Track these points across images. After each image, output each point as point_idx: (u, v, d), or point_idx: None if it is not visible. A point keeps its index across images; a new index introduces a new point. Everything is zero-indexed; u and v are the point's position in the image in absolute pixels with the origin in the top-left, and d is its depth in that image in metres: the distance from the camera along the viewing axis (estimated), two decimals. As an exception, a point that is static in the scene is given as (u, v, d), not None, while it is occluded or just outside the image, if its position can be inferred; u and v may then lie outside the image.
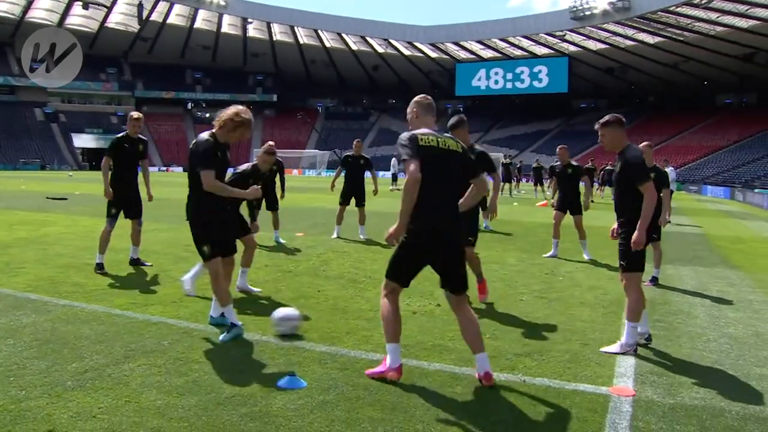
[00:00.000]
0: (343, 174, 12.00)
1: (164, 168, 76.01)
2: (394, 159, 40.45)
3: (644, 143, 8.05)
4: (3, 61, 78.85)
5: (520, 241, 12.23)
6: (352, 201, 11.84)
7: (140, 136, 8.35)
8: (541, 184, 30.34)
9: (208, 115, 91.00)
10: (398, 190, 31.27)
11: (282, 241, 10.94)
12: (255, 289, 6.96)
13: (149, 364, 4.41)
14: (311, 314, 5.96)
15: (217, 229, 5.24)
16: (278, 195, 11.12)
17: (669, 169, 18.44)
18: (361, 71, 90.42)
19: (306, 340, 5.12)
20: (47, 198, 20.46)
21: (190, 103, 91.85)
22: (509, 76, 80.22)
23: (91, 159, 74.32)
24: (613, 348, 5.08)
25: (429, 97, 4.78)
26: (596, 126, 5.33)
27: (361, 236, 11.82)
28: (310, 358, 4.66)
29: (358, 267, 8.82)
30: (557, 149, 10.71)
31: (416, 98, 4.72)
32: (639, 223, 4.96)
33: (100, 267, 7.77)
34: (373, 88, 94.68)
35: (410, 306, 6.40)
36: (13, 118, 75.88)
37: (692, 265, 10.00)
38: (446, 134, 4.59)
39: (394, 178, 36.46)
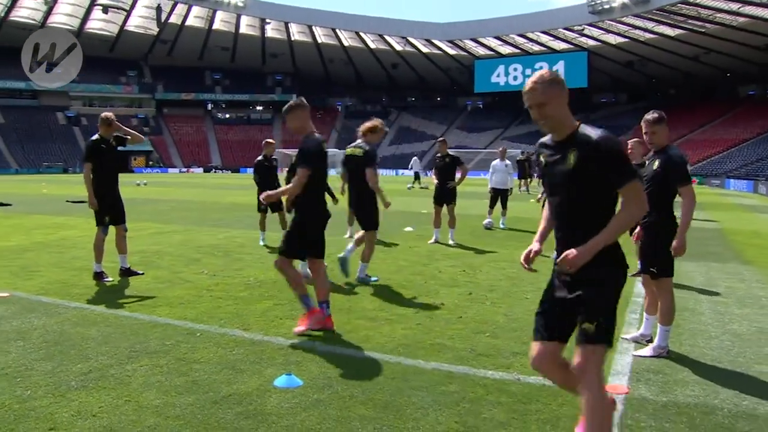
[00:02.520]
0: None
1: (185, 169, 76.64)
2: (415, 158, 40.63)
3: (634, 139, 7.97)
4: (26, 67, 79.97)
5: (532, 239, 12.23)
6: None
7: (114, 134, 7.95)
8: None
9: (228, 116, 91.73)
10: (424, 188, 31.33)
11: None
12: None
13: (151, 365, 4.52)
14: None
15: None
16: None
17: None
18: (379, 69, 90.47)
19: (306, 339, 5.21)
20: (67, 201, 20.81)
21: (209, 104, 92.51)
22: (528, 71, 79.51)
23: (113, 161, 74.92)
24: (646, 351, 5.03)
25: None
26: (644, 123, 5.11)
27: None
28: (308, 357, 4.74)
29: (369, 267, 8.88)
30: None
31: None
32: (679, 228, 4.91)
33: (100, 276, 7.63)
34: (392, 86, 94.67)
35: (413, 305, 6.48)
36: (36, 122, 77.00)
37: (704, 260, 9.92)
38: None
39: (416, 176, 36.44)
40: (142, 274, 8.06)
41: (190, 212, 16.76)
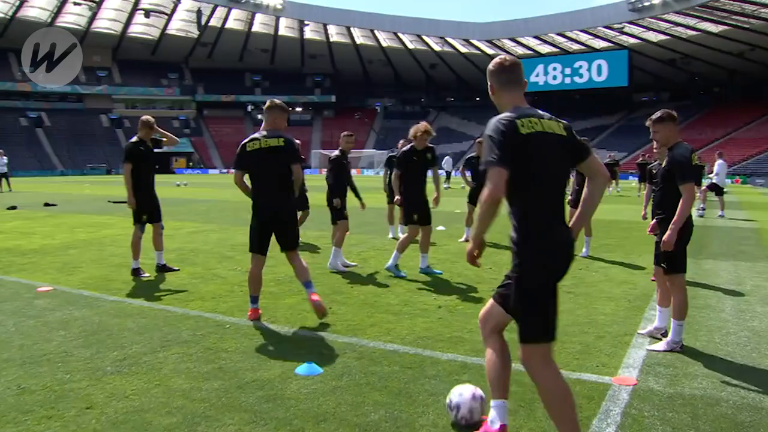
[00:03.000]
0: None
1: (225, 170, 77.69)
2: (447, 157, 40.88)
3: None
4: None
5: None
6: None
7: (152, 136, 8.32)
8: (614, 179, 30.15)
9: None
10: (447, 188, 31.48)
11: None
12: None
13: (182, 353, 4.80)
14: (341, 309, 6.28)
15: None
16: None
17: (719, 163, 18.11)
18: (418, 70, 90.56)
19: (330, 331, 5.44)
20: (109, 201, 21.44)
21: (249, 106, 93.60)
22: (567, 71, 78.97)
23: (154, 163, 76.60)
24: (660, 346, 5.12)
25: (508, 59, 3.44)
26: (647, 122, 5.39)
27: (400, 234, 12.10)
28: (330, 348, 4.97)
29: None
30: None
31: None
32: (673, 222, 5.02)
33: (137, 272, 7.98)
34: (430, 87, 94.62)
35: (437, 300, 6.66)
36: (80, 125, 78.98)
37: (734, 260, 9.87)
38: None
39: (448, 176, 36.79)
40: (178, 270, 8.40)
41: (227, 212, 17.15)
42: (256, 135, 5.94)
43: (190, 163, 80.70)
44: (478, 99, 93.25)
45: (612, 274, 8.46)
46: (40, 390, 4.04)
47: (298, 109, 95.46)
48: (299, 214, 9.39)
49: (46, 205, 19.77)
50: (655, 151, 8.16)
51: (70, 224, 14.02)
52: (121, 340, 5.12)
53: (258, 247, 5.97)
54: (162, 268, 8.32)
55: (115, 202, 20.77)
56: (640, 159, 30.36)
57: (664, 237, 5.04)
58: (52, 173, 66.56)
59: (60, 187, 34.02)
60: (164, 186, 37.84)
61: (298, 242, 6.16)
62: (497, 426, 3.24)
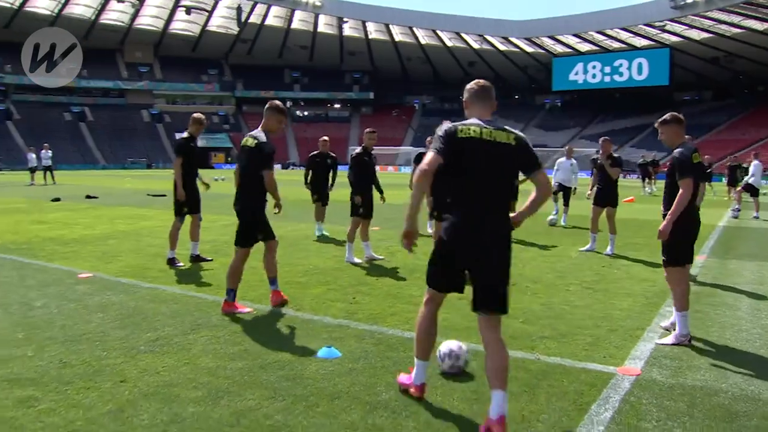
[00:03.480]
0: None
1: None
2: None
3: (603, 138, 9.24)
4: (113, 67, 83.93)
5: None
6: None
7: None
8: (649, 179, 29.94)
9: (306, 113, 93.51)
10: None
11: (326, 232, 11.69)
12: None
13: (210, 336, 5.11)
14: (365, 299, 6.54)
15: None
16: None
17: (755, 164, 17.93)
18: (457, 67, 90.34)
19: (352, 319, 5.70)
20: (148, 195, 22.06)
21: (288, 102, 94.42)
22: (607, 69, 78.14)
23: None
24: (668, 339, 5.27)
25: (482, 83, 4.17)
26: (656, 124, 5.76)
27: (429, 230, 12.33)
28: (351, 334, 5.24)
29: (421, 258, 9.28)
30: (600, 141, 10.71)
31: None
32: (669, 213, 5.25)
33: (172, 261, 8.35)
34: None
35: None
36: (122, 120, 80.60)
37: (762, 260, 9.85)
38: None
39: None
40: (211, 260, 8.75)
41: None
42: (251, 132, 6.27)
43: (229, 159, 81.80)
44: (516, 97, 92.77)
45: (634, 272, 8.56)
46: (80, 365, 4.39)
47: (337, 105, 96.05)
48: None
49: (88, 197, 20.45)
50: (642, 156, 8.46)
51: (110, 216, 14.55)
52: (154, 323, 5.46)
53: (241, 239, 6.27)
54: (196, 259, 8.67)
55: (153, 196, 21.36)
56: (641, 159, 30.31)
57: (660, 227, 5.28)
58: (94, 167, 68.15)
59: (101, 181, 34.95)
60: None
61: (271, 235, 6.30)
62: (417, 380, 3.90)
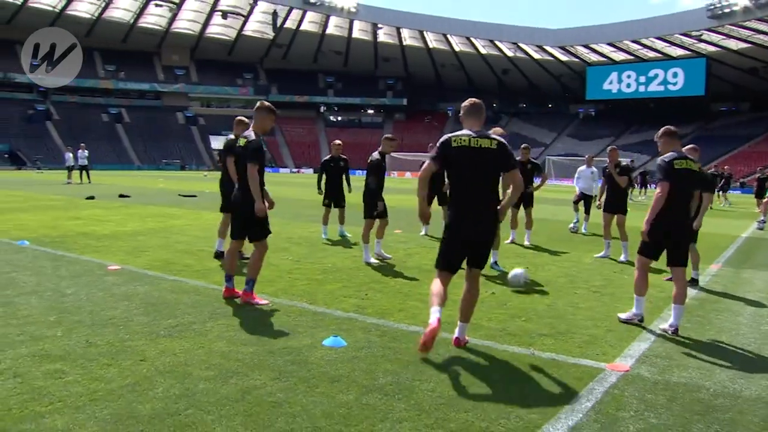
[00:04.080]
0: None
1: (295, 170, 79.24)
2: None
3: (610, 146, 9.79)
4: (150, 70, 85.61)
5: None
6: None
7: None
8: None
9: (339, 118, 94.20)
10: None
11: (348, 234, 11.96)
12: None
13: (227, 324, 5.46)
14: (377, 296, 6.84)
15: None
16: (346, 191, 11.96)
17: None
18: (490, 75, 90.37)
19: (361, 314, 6.01)
20: (179, 195, 22.66)
21: (322, 107, 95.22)
22: (642, 78, 77.47)
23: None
24: (625, 315, 6.23)
25: (475, 101, 5.18)
26: (655, 137, 6.42)
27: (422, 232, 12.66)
28: (358, 326, 5.54)
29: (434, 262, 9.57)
30: (608, 150, 11.05)
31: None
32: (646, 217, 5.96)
33: (220, 255, 8.80)
34: (503, 92, 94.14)
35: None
36: (157, 122, 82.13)
37: None
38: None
39: None
40: (248, 258, 9.11)
41: (289, 208, 17.93)
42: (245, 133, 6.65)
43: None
44: (550, 106, 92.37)
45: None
46: (104, 345, 4.76)
47: (370, 111, 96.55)
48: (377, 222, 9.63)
49: (121, 196, 21.09)
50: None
51: (142, 214, 15.07)
52: (175, 312, 5.83)
53: (233, 232, 6.78)
54: (220, 255, 8.99)
55: (184, 196, 21.93)
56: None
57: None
58: (130, 167, 69.54)
59: (135, 181, 35.81)
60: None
61: (259, 236, 6.50)
62: (434, 318, 4.70)
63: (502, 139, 5.01)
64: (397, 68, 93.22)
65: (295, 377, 4.21)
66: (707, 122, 77.88)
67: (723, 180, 31.48)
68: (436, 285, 4.99)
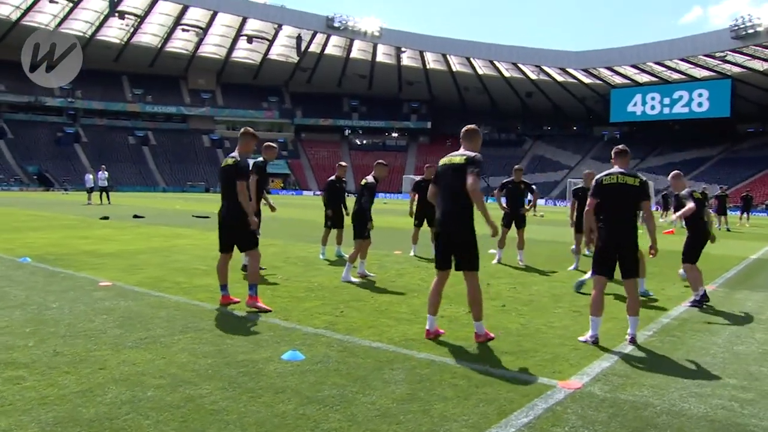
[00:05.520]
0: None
1: (319, 192, 79.52)
2: (533, 186, 41.35)
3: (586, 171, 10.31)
4: (177, 93, 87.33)
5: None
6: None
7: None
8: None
9: (364, 141, 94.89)
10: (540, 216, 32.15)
11: (345, 255, 11.99)
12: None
13: (195, 337, 5.62)
14: (352, 313, 6.95)
15: None
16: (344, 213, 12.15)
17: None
18: (514, 98, 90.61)
19: (330, 329, 6.12)
20: (193, 216, 23.03)
21: (347, 130, 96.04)
22: (666, 100, 77.20)
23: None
24: (581, 338, 6.18)
25: (468, 127, 6.18)
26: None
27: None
28: (323, 342, 5.65)
29: (426, 279, 9.66)
30: (584, 173, 11.31)
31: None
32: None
33: (245, 268, 9.15)
34: (526, 115, 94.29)
35: (444, 311, 7.20)
36: (183, 144, 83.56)
37: None
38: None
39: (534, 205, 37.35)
40: (265, 269, 9.86)
41: (297, 229, 18.20)
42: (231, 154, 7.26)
43: (283, 185, 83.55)
44: (575, 128, 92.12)
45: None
46: (70, 354, 4.95)
47: (394, 134, 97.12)
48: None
49: (135, 217, 21.52)
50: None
51: (149, 234, 15.40)
52: (148, 325, 6.01)
53: (221, 246, 7.22)
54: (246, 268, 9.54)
55: (197, 217, 22.29)
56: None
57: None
58: (155, 189, 70.70)
59: (155, 203, 36.48)
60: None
61: (251, 244, 7.15)
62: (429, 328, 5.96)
63: (472, 155, 5.78)
64: (421, 91, 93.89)
65: (242, 388, 4.34)
66: (733, 144, 77.14)
67: (743, 201, 31.46)
68: (431, 290, 6.04)
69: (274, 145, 9.93)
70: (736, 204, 39.90)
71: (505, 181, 12.40)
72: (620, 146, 6.58)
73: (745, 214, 31.39)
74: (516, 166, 12.51)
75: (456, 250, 5.86)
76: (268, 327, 6.16)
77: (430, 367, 5.04)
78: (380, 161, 10.14)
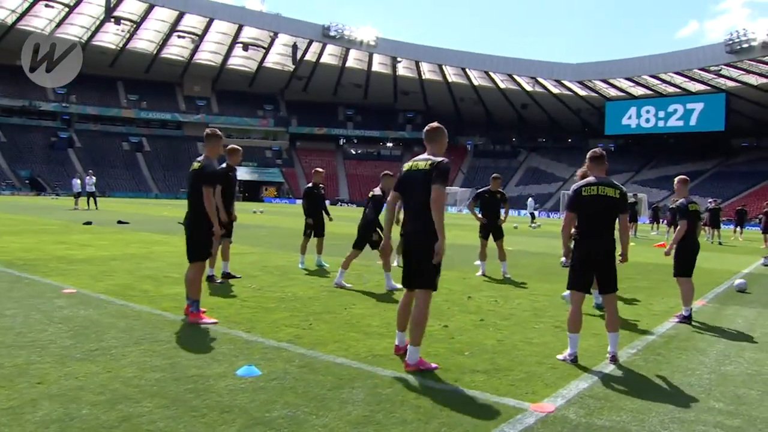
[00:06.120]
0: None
1: (309, 201, 79.18)
2: (531, 199, 41.57)
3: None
4: (172, 99, 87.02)
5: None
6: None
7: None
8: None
9: (359, 151, 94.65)
10: (537, 227, 31.97)
11: (325, 264, 11.76)
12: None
13: (149, 350, 5.29)
14: (321, 326, 6.62)
15: None
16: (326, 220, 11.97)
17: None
18: (510, 109, 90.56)
19: (295, 344, 5.79)
20: (178, 223, 22.58)
21: (342, 139, 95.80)
22: (661, 113, 77.19)
23: (245, 190, 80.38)
24: (559, 356, 5.82)
25: (432, 126, 5.61)
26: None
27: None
28: (283, 356, 5.32)
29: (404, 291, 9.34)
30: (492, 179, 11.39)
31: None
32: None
33: (211, 279, 9.14)
34: (522, 126, 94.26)
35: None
36: (178, 151, 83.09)
37: (763, 308, 9.46)
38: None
39: (533, 216, 37.78)
40: (240, 277, 9.73)
41: (283, 238, 17.87)
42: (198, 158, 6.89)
43: (276, 193, 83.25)
44: (570, 140, 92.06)
45: (617, 315, 8.40)
46: (9, 367, 4.61)
47: (389, 144, 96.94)
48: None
49: (119, 222, 21.14)
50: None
51: (129, 240, 15.05)
52: (103, 336, 5.67)
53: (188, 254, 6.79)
54: (227, 276, 9.55)
55: (182, 224, 21.89)
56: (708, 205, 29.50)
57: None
58: (147, 195, 70.26)
59: (143, 209, 36.08)
60: (243, 212, 39.30)
61: (198, 256, 6.70)
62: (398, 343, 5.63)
63: (438, 159, 5.23)
64: (416, 101, 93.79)
65: (186, 406, 4.01)
66: (728, 158, 77.10)
67: (737, 215, 31.44)
68: (400, 305, 5.71)
69: (238, 147, 9.56)
70: (730, 218, 39.80)
71: (480, 190, 12.03)
72: (597, 150, 6.22)
73: (738, 228, 31.26)
74: (493, 174, 12.17)
75: (420, 267, 5.24)
76: (229, 340, 5.83)
77: (393, 386, 4.72)
78: (387, 172, 10.20)
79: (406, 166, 5.47)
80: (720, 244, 26.06)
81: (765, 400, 4.91)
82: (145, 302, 7.41)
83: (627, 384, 5.16)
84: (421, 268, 5.21)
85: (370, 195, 10.03)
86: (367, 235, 9.81)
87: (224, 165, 9.26)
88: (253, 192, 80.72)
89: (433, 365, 5.23)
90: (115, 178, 72.78)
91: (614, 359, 5.78)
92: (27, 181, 67.89)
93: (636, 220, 29.62)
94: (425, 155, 5.42)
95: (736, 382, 5.39)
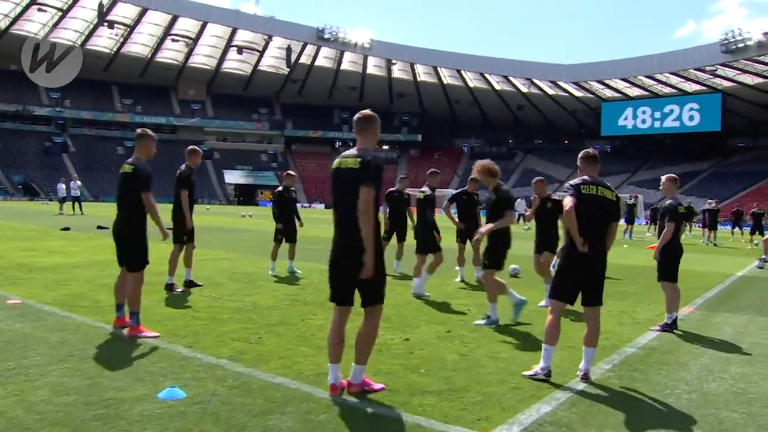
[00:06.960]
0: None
1: (307, 204, 78.89)
2: (520, 200, 40.79)
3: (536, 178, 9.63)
4: (167, 103, 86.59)
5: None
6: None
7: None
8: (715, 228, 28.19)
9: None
10: (528, 229, 31.41)
11: (297, 271, 11.31)
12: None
13: (72, 367, 4.84)
14: (271, 339, 6.14)
15: None
16: (298, 225, 11.58)
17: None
18: (505, 111, 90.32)
19: (235, 360, 5.32)
20: (98, 227, 21.93)
21: (337, 142, 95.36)
22: (657, 114, 77.02)
23: (241, 194, 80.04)
24: (527, 372, 5.34)
25: (362, 113, 4.91)
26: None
27: (396, 271, 11.88)
28: (218, 376, 4.85)
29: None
30: (533, 182, 10.10)
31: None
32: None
33: (171, 287, 8.69)
34: (518, 128, 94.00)
35: (385, 335, 6.44)
36: (173, 156, 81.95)
37: (756, 314, 9.01)
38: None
39: (522, 218, 36.97)
40: (202, 285, 9.26)
41: (264, 243, 17.30)
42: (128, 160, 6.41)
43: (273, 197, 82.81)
44: (566, 142, 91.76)
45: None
46: None
47: (385, 147, 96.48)
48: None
49: (99, 228, 20.59)
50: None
51: (101, 246, 14.51)
52: (29, 352, 5.22)
53: (119, 260, 6.45)
54: (189, 284, 9.08)
55: (168, 229, 21.43)
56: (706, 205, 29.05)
57: None
58: (141, 200, 69.72)
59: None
60: (231, 216, 38.87)
61: (137, 265, 6.29)
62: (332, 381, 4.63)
63: (370, 157, 4.53)
64: (411, 104, 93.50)
65: (84, 438, 3.58)
66: (724, 158, 76.78)
67: (734, 216, 31.08)
68: (329, 331, 4.84)
69: (198, 149, 9.23)
70: (726, 218, 39.33)
71: (457, 191, 11.54)
72: (590, 151, 5.75)
73: (736, 229, 30.82)
74: (471, 176, 11.68)
75: (359, 282, 4.53)
76: (166, 356, 5.37)
77: (329, 410, 4.25)
78: (434, 170, 10.96)
79: (335, 163, 4.68)
80: (715, 245, 25.64)
81: (749, 424, 4.42)
82: (91, 314, 6.95)
83: (595, 407, 4.66)
84: (364, 284, 4.53)
85: (424, 196, 10.23)
86: (431, 235, 9.99)
87: (183, 167, 8.84)
88: (248, 196, 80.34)
89: (379, 386, 4.73)
90: (109, 183, 72.02)
91: (586, 377, 5.27)
92: (20, 187, 67.43)
93: (633, 222, 29.23)
94: (354, 150, 4.64)
95: (718, 403, 4.89)
